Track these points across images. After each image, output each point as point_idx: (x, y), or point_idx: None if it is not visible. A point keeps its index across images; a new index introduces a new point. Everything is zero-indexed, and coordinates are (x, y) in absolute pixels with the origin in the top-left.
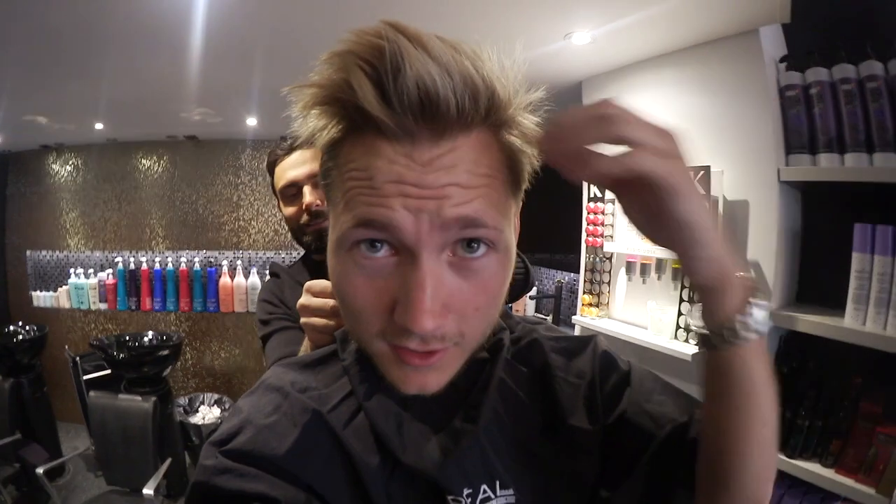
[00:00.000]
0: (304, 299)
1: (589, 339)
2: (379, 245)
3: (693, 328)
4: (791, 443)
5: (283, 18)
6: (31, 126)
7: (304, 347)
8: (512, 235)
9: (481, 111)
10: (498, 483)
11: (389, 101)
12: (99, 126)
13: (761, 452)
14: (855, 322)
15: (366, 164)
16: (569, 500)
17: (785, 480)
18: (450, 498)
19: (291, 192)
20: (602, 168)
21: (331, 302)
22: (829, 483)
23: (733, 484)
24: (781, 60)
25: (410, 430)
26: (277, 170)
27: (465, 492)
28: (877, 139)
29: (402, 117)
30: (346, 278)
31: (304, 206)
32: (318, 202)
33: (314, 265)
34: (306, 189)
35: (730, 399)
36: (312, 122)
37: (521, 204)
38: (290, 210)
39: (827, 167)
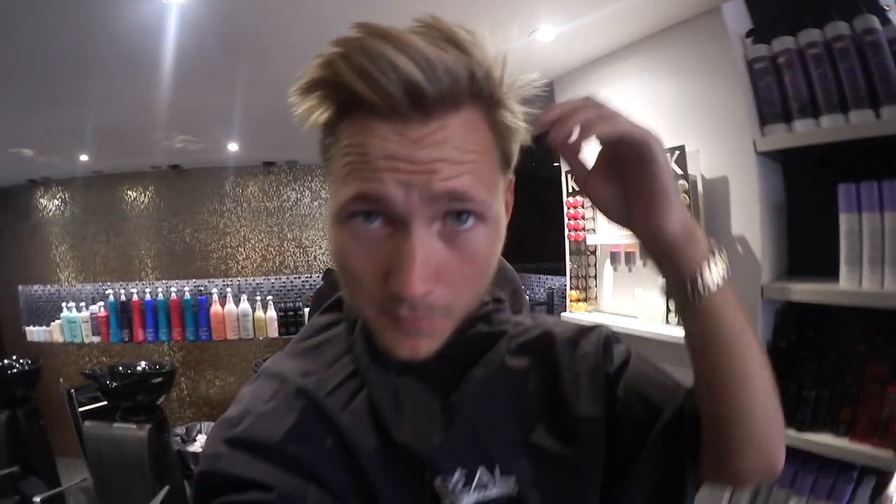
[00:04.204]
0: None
1: (594, 327)
2: (373, 217)
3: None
4: (799, 416)
5: (259, 40)
6: (17, 159)
7: None
8: (502, 209)
9: (465, 92)
10: (498, 468)
11: (375, 85)
12: (84, 157)
13: (761, 402)
14: (851, 284)
15: (361, 141)
16: (575, 490)
17: (798, 456)
18: (438, 479)
19: None
20: (595, 131)
21: None
22: (844, 453)
23: (741, 446)
24: (747, 35)
25: (406, 406)
26: None
27: (457, 472)
28: (850, 98)
29: (391, 99)
30: (344, 248)
31: None
32: None
33: None
34: None
35: (715, 351)
36: (307, 105)
37: (511, 181)
38: None
39: (803, 132)
